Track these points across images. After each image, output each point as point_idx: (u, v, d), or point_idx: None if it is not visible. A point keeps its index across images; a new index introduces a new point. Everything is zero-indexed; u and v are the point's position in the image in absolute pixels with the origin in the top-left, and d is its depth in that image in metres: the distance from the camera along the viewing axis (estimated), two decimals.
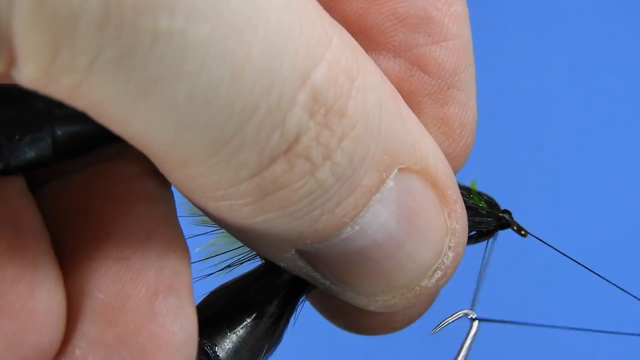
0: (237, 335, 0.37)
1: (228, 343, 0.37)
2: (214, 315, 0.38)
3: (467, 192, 0.41)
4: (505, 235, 0.42)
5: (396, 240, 0.33)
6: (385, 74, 0.34)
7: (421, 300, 0.36)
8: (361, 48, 0.32)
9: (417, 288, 0.35)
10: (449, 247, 0.35)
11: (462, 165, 0.38)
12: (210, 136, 0.27)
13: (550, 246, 0.42)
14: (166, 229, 0.33)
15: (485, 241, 0.42)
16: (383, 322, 0.41)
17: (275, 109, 0.27)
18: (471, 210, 0.40)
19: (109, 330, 0.31)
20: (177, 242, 0.33)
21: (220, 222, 0.33)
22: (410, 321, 0.41)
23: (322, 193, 0.30)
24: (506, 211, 0.42)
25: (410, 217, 0.33)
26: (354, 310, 0.39)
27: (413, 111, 0.35)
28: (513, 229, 0.42)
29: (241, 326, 0.37)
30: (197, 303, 0.39)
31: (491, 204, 0.41)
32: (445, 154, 0.36)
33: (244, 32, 0.25)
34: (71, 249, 0.33)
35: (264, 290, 0.39)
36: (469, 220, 0.39)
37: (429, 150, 0.34)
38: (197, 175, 0.28)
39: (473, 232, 0.41)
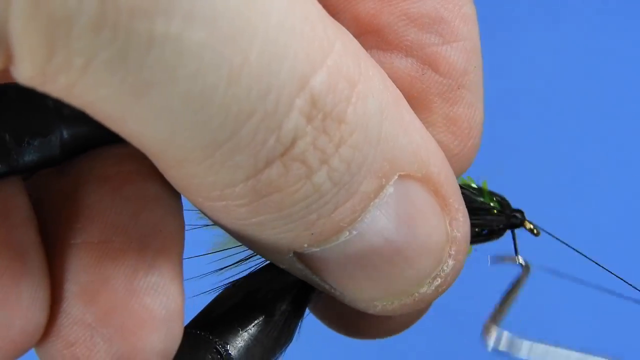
0: (249, 334, 0.37)
1: (240, 341, 0.37)
2: (226, 313, 0.38)
3: (478, 193, 0.40)
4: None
5: (395, 246, 0.33)
6: (397, 73, 0.34)
7: (420, 306, 0.36)
8: (366, 52, 0.31)
9: (416, 294, 0.35)
10: (450, 255, 0.35)
11: (469, 165, 0.38)
12: (205, 138, 0.27)
13: (564, 243, 0.41)
14: (155, 208, 0.34)
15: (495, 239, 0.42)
16: (379, 326, 0.41)
17: (271, 114, 0.27)
18: (483, 210, 0.40)
19: (89, 311, 0.32)
20: (166, 220, 0.34)
21: (216, 222, 0.33)
22: (407, 325, 0.41)
23: (318, 197, 0.30)
24: (518, 210, 0.41)
25: (409, 223, 0.33)
26: (349, 314, 0.39)
27: (423, 110, 0.35)
28: (525, 227, 0.41)
29: (253, 324, 0.37)
30: (208, 301, 0.39)
31: (503, 203, 0.41)
32: (454, 154, 0.36)
33: (243, 36, 0.25)
34: (58, 232, 0.34)
35: (276, 288, 0.39)
36: (481, 219, 0.39)
37: (431, 157, 0.34)
38: (193, 175, 0.29)
39: (484, 231, 0.41)
